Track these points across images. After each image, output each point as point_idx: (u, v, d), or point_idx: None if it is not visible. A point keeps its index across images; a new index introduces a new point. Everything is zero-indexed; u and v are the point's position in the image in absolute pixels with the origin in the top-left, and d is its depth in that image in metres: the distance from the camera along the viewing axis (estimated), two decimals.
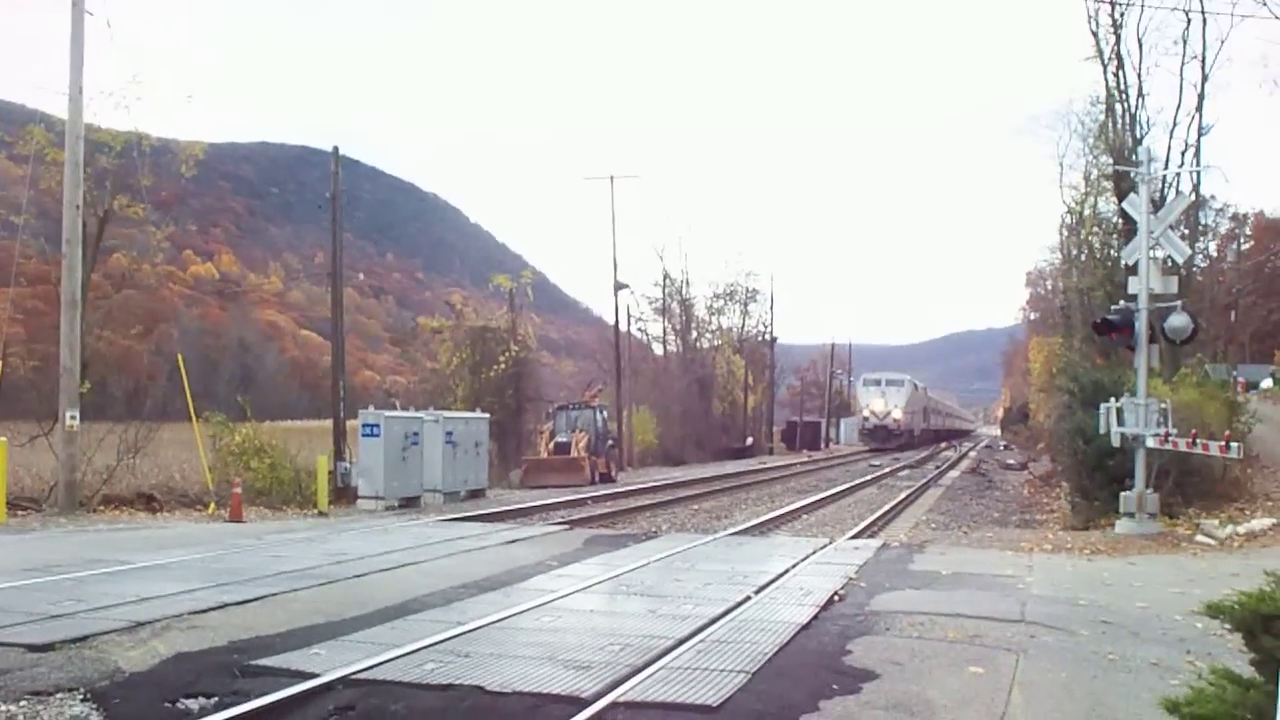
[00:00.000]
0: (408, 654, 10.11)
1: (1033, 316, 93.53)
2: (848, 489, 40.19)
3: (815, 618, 12.37)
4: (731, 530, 24.80)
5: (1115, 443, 22.63)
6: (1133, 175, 24.90)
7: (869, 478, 47.66)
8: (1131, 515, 22.26)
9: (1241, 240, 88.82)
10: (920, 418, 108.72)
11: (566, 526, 24.75)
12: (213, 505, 27.61)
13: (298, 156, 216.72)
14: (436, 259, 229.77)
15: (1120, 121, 43.97)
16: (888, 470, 54.07)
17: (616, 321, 65.88)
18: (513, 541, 20.68)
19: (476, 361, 51.64)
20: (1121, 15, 42.85)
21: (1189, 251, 32.66)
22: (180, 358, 31.43)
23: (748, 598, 13.74)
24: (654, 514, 30.40)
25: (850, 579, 15.48)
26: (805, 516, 30.03)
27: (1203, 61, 42.14)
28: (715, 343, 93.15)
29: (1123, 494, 22.65)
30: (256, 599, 13.21)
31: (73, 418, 26.42)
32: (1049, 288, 77.92)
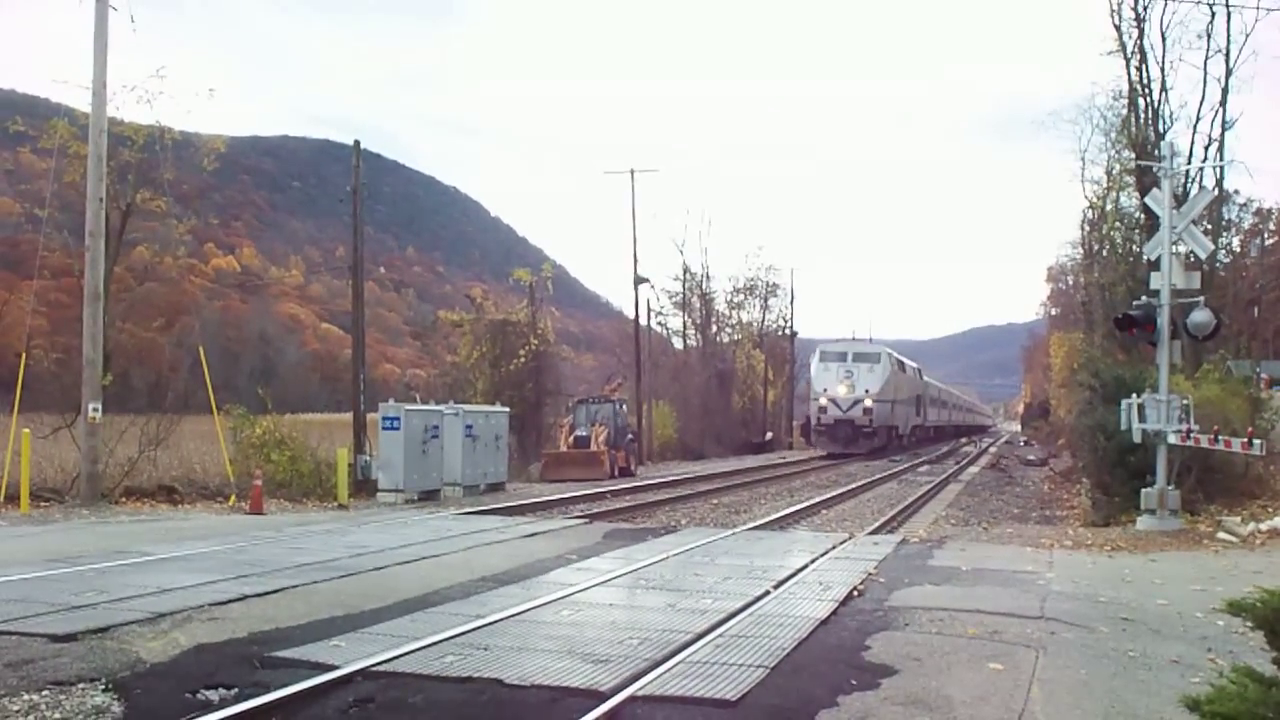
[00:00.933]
0: (427, 646, 10.14)
1: (1054, 312, 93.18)
2: (867, 484, 40.12)
3: (834, 613, 12.37)
4: (750, 525, 24.78)
5: (1136, 439, 22.57)
6: (1155, 170, 24.84)
7: (888, 473, 47.58)
8: (1153, 512, 22.19)
9: (1265, 236, 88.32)
10: (910, 409, 79.71)
11: (586, 520, 24.76)
12: (233, 497, 27.72)
13: (319, 150, 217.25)
14: (457, 253, 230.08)
15: (1143, 116, 43.79)
16: (905, 466, 53.95)
17: (636, 316, 65.78)
18: (532, 535, 20.71)
19: (496, 355, 51.64)
20: (1145, 9, 42.73)
21: (1212, 247, 32.44)
22: (201, 350, 31.48)
23: (766, 592, 13.74)
24: (673, 508, 30.39)
25: (869, 574, 15.46)
26: (824, 511, 29.99)
27: (1226, 55, 41.98)
28: (735, 337, 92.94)
29: (1144, 490, 22.58)
30: (277, 591, 13.25)
31: (95, 410, 26.51)
32: (1070, 283, 77.63)
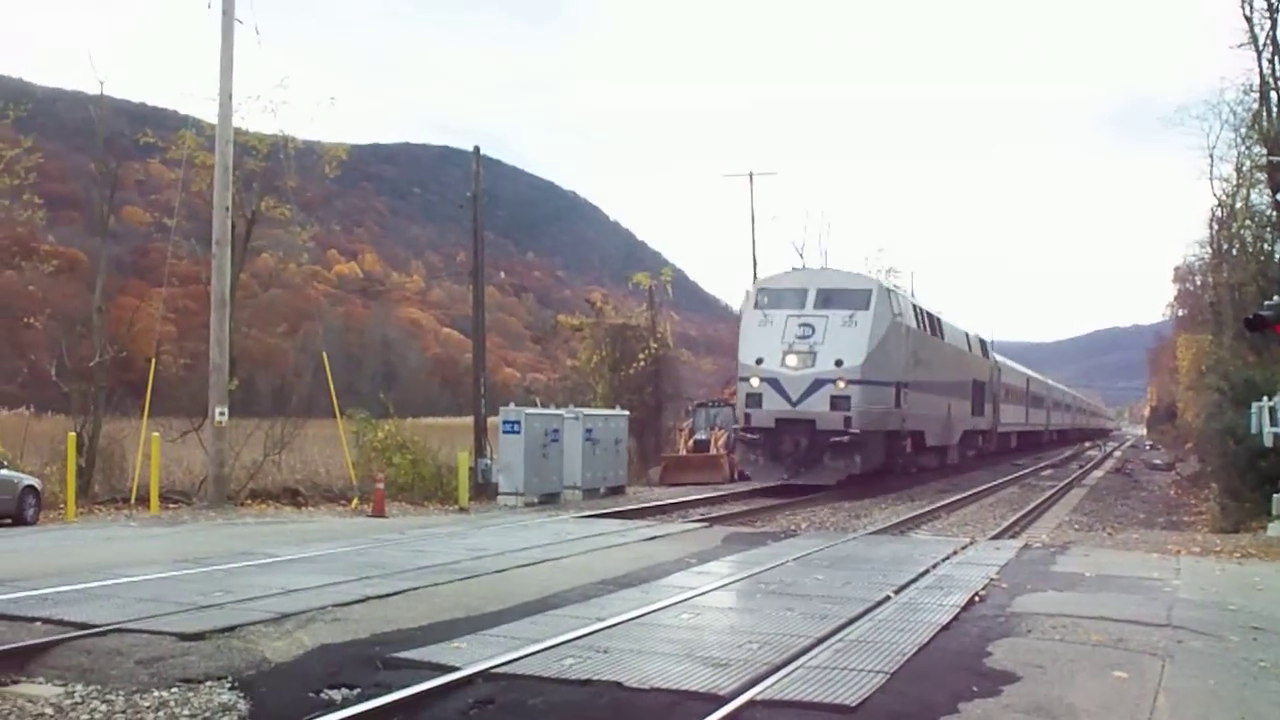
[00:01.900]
0: (547, 649, 10.20)
1: (1181, 313, 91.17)
2: (989, 488, 39.71)
3: (956, 618, 12.25)
4: (871, 529, 24.64)
5: (1268, 443, 22.13)
6: None
7: (1010, 477, 47.04)
8: None
9: None
10: (958, 402, 49.36)
11: (705, 524, 24.74)
12: (356, 500, 28.13)
13: (439, 156, 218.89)
14: (576, 257, 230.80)
15: (1275, 110, 42.75)
16: (1028, 470, 53.29)
17: None
18: (651, 539, 20.74)
19: (616, 359, 51.85)
20: (1277, 0, 41.75)
21: None
22: (324, 355, 32.02)
23: (887, 597, 13.65)
24: (793, 512, 30.27)
25: (992, 579, 15.29)
26: (945, 516, 29.72)
27: None
28: None
29: (1275, 496, 22.15)
30: (398, 593, 13.40)
31: (221, 414, 27.07)
32: (1198, 283, 76.01)
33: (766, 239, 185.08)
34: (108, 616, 11.22)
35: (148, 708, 8.37)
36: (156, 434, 26.54)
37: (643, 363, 51.57)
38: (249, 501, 27.71)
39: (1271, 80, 42.46)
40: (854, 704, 8.51)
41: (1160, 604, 13.46)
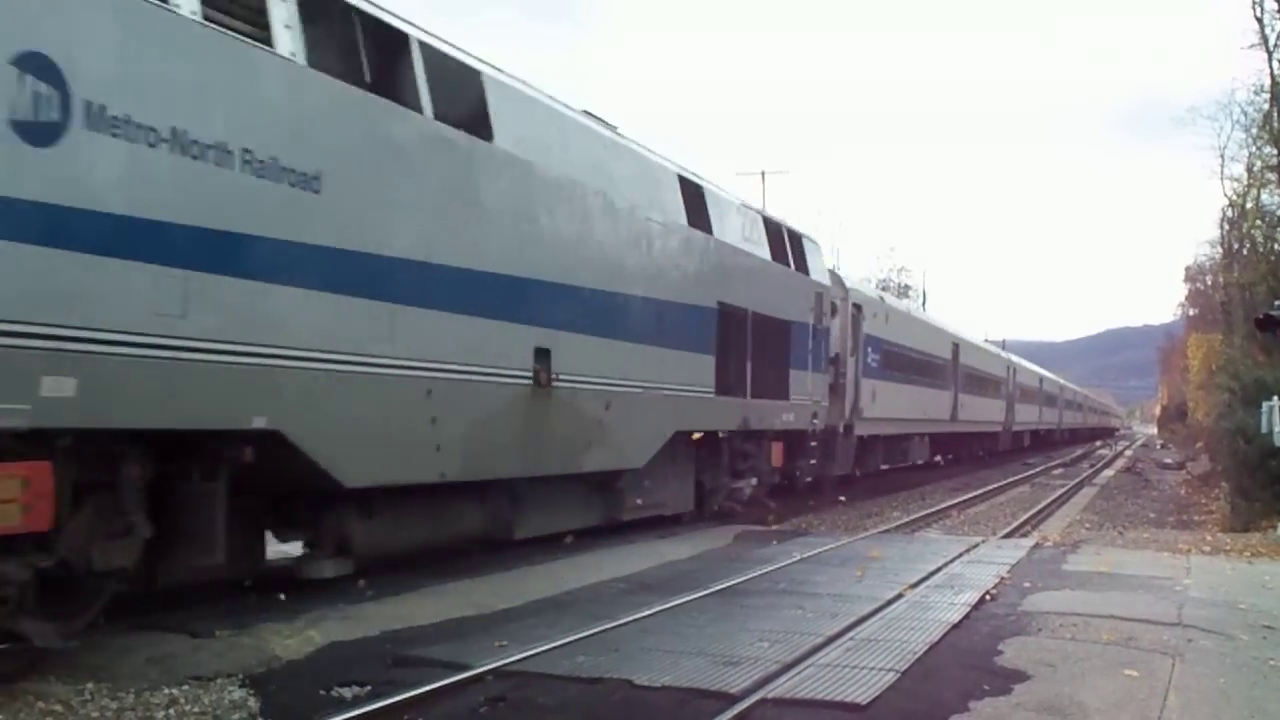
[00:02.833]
0: (559, 646, 10.22)
1: (1192, 313, 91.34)
2: (1000, 487, 39.70)
3: (966, 617, 12.25)
4: (883, 528, 24.61)
5: (1278, 443, 22.11)
6: None
7: (1021, 476, 47.01)
8: None
9: None
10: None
11: (716, 522, 24.67)
12: None
13: None
14: None
15: None
16: (1038, 469, 53.23)
17: None
18: (661, 537, 20.67)
19: None
20: None
21: None
22: None
23: (899, 595, 13.65)
24: (804, 510, 30.21)
25: (1002, 578, 15.27)
26: (956, 514, 29.71)
27: None
28: None
29: None
30: (409, 590, 13.41)
31: None
32: (1209, 283, 76.06)
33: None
34: (117, 613, 11.24)
35: (158, 705, 8.38)
36: None
37: None
38: None
39: None
40: (865, 702, 8.53)
41: (1171, 603, 13.43)
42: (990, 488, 38.90)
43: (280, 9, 10.56)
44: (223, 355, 9.70)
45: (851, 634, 11.14)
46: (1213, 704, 8.78)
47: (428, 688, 8.70)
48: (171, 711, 8.28)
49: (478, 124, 13.64)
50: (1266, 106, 44.51)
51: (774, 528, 23.50)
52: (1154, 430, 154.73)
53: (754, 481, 23.87)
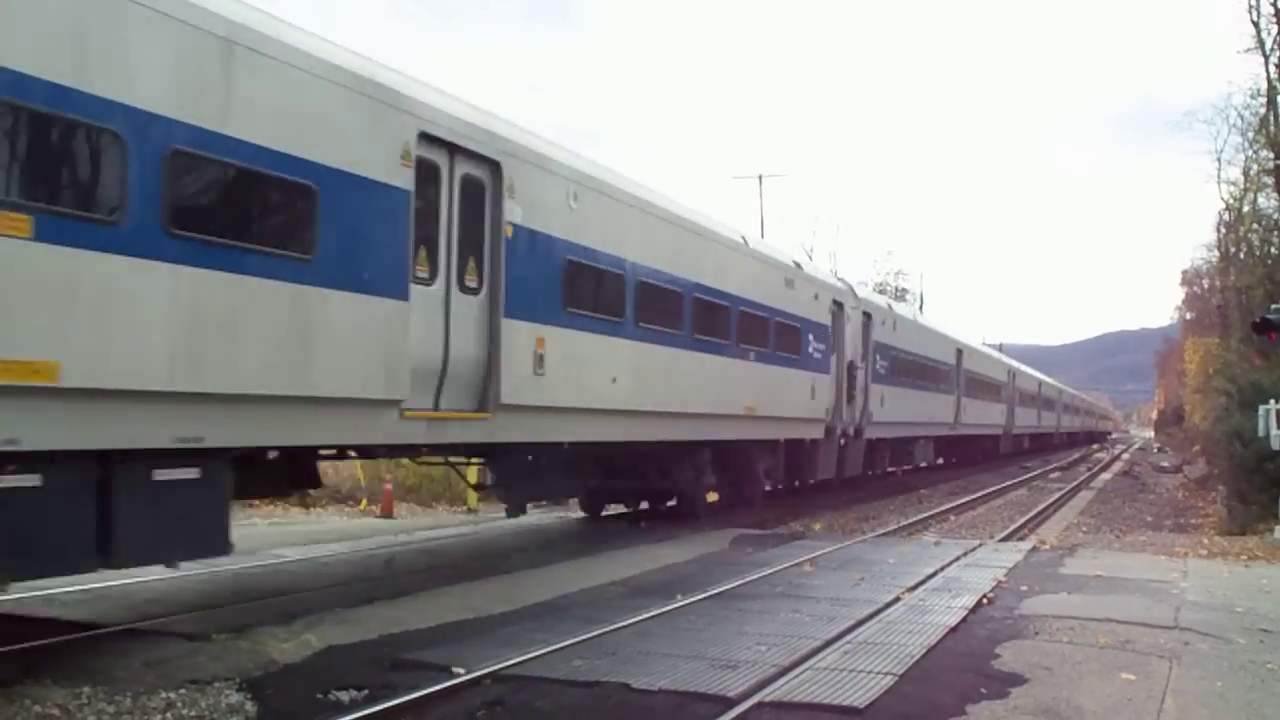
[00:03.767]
0: (555, 650, 10.22)
1: (1189, 316, 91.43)
2: (997, 490, 39.66)
3: (964, 620, 12.25)
4: (880, 531, 24.59)
5: (1275, 446, 22.14)
6: None
7: (1018, 480, 46.98)
8: None
9: None
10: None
11: (714, 526, 24.66)
12: (365, 501, 28.10)
13: None
14: None
15: None
16: (1036, 473, 53.20)
17: None
18: (659, 540, 20.67)
19: None
20: None
21: None
22: None
23: (896, 599, 13.66)
24: (801, 514, 30.19)
25: (1000, 581, 15.28)
26: (953, 518, 29.68)
27: None
28: None
29: None
30: (406, 594, 13.41)
31: None
32: (1205, 287, 76.16)
33: (776, 241, 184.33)
34: (115, 617, 11.25)
35: (155, 709, 8.39)
36: None
37: None
38: (256, 503, 27.67)
39: (1279, 85, 42.43)
40: (863, 706, 8.54)
41: (1168, 606, 13.45)
42: (988, 491, 38.85)
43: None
44: None
45: (849, 637, 11.15)
46: (1210, 707, 8.79)
47: (425, 691, 8.71)
48: (168, 715, 8.29)
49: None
50: (1263, 110, 44.55)
51: (771, 532, 23.48)
52: (1151, 434, 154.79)
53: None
